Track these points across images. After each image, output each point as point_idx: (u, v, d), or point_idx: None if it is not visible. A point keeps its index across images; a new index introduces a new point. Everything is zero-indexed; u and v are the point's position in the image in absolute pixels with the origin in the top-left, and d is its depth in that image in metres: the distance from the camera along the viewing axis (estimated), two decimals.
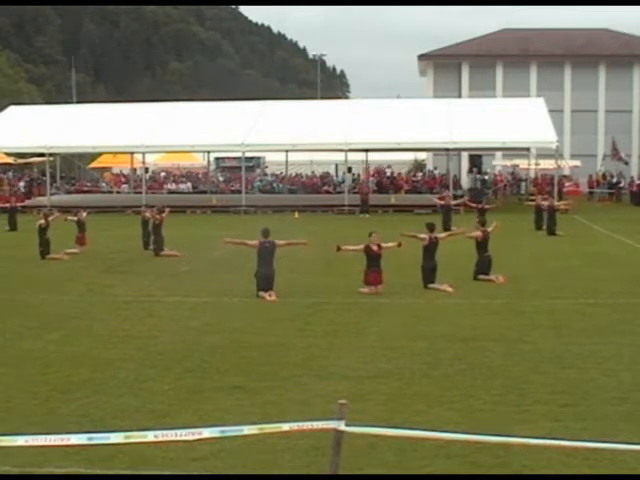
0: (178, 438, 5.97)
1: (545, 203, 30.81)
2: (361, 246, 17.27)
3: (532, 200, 34.87)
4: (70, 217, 25.30)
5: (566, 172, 54.42)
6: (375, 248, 16.97)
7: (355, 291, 16.90)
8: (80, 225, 24.71)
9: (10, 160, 52.65)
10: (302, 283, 18.10)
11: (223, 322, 13.95)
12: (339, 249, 17.34)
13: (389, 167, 58.36)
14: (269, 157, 61.54)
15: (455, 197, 42.59)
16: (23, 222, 31.11)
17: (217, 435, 6.18)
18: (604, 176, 54.55)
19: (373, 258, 16.95)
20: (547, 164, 49.16)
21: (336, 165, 59.26)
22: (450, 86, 65.17)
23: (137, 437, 5.99)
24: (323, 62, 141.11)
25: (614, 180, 52.02)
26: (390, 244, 17.39)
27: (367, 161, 51.60)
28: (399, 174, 57.79)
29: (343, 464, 6.27)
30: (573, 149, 62.21)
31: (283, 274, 18.58)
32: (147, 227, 24.51)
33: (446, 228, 28.29)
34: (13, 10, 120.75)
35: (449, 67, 66.96)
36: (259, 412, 8.81)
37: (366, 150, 48.51)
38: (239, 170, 50.35)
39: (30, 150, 46.89)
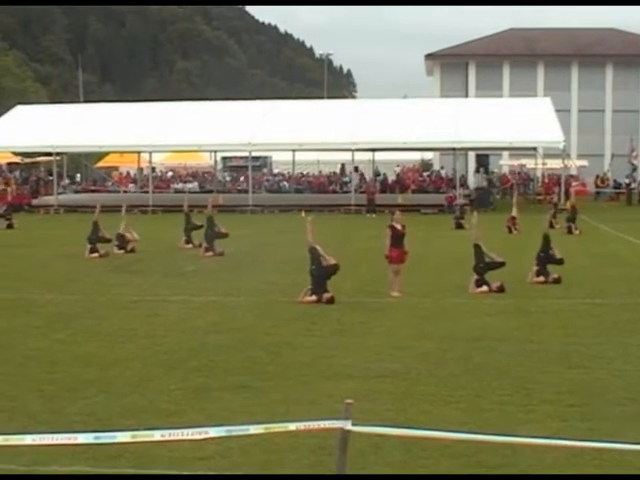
0: (184, 437, 5.96)
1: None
2: None
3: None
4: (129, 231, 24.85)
5: (573, 172, 54.28)
6: (399, 227, 16.85)
7: (361, 290, 16.89)
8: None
9: (17, 159, 52.78)
10: (308, 282, 18.04)
11: (229, 321, 13.95)
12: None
13: (398, 166, 58.77)
14: (276, 156, 61.55)
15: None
16: (31, 220, 31.09)
17: (223, 434, 6.17)
18: (602, 180, 54.24)
19: (398, 237, 16.83)
20: (554, 164, 49.05)
21: (342, 165, 59.28)
22: (457, 86, 65.13)
23: (144, 436, 5.98)
24: (330, 62, 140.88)
25: (626, 181, 51.72)
26: None
27: (374, 161, 51.58)
28: (413, 166, 58.12)
29: (349, 464, 6.26)
30: (580, 149, 62.06)
31: (289, 274, 18.58)
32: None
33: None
34: (20, 10, 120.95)
35: (456, 67, 66.90)
36: (265, 411, 8.80)
37: (373, 150, 48.50)
38: (246, 169, 50.38)
39: (37, 149, 46.98)
